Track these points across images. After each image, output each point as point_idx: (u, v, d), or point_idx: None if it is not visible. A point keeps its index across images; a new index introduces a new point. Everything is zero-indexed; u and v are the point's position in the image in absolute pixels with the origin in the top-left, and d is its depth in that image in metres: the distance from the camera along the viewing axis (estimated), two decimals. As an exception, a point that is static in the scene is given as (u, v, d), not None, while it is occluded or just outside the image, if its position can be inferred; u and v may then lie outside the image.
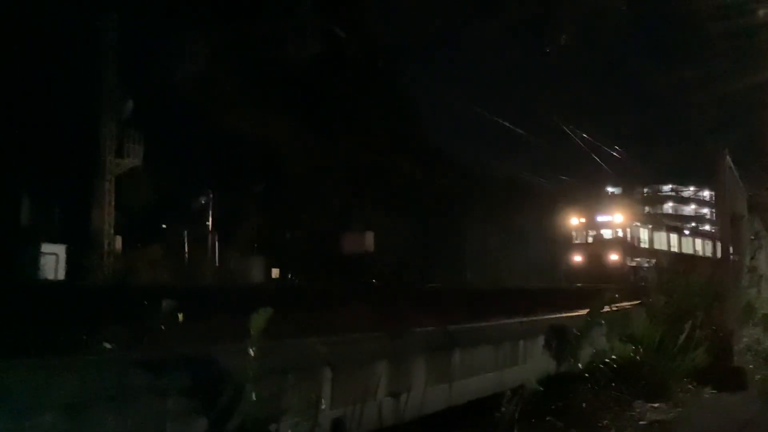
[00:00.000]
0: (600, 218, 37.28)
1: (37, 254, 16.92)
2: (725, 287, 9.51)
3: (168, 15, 23.99)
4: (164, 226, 24.85)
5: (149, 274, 19.28)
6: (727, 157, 8.81)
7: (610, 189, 54.39)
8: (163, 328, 5.08)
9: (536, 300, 12.35)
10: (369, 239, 26.72)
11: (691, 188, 69.85)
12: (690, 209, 73.80)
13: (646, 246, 37.69)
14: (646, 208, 52.74)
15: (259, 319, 3.74)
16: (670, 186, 71.91)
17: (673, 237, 41.89)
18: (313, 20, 25.29)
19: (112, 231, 22.06)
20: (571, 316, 7.25)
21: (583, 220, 37.57)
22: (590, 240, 37.59)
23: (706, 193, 65.97)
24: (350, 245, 26.10)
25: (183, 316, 6.44)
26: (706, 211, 70.58)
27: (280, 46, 26.79)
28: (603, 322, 8.21)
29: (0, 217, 19.80)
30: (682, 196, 71.95)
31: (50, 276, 16.61)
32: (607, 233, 37.25)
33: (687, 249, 42.96)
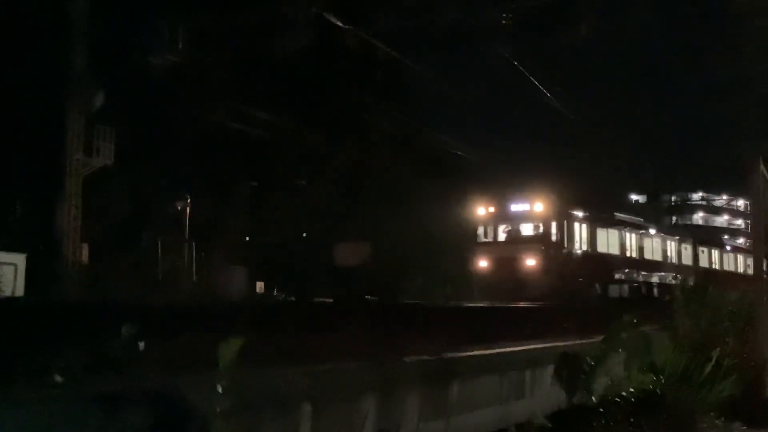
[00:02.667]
0: (515, 206, 29.54)
1: (-8, 264, 16.81)
2: (759, 310, 9.48)
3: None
4: (137, 233, 24.77)
5: (118, 288, 19.19)
6: (762, 166, 8.81)
7: (634, 197, 53.60)
8: (124, 355, 5.05)
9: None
10: (364, 249, 26.39)
11: (724, 197, 68.94)
12: (722, 220, 73.57)
13: (587, 248, 30.42)
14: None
15: (228, 350, 3.72)
16: (701, 194, 71.35)
17: (633, 237, 34.79)
18: (306, 6, 25.30)
19: (78, 238, 21.96)
20: (585, 343, 7.19)
21: (492, 209, 29.77)
22: (502, 238, 30.05)
23: (740, 203, 65.71)
24: (344, 256, 25.66)
25: (150, 340, 6.41)
26: (740, 222, 70.45)
27: (271, 35, 26.83)
28: (620, 349, 8.19)
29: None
30: (714, 206, 71.37)
31: (8, 289, 16.49)
32: (529, 229, 29.99)
33: (655, 255, 36.45)
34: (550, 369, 6.67)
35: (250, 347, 4.99)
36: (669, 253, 38.76)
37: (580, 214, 30.47)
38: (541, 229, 29.45)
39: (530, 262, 28.45)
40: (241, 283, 25.23)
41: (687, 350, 8.70)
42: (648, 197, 53.66)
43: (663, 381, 7.83)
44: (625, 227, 34.51)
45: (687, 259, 40.67)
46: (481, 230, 30.34)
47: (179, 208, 25.48)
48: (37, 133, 22.07)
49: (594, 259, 30.72)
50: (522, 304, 19.97)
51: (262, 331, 8.43)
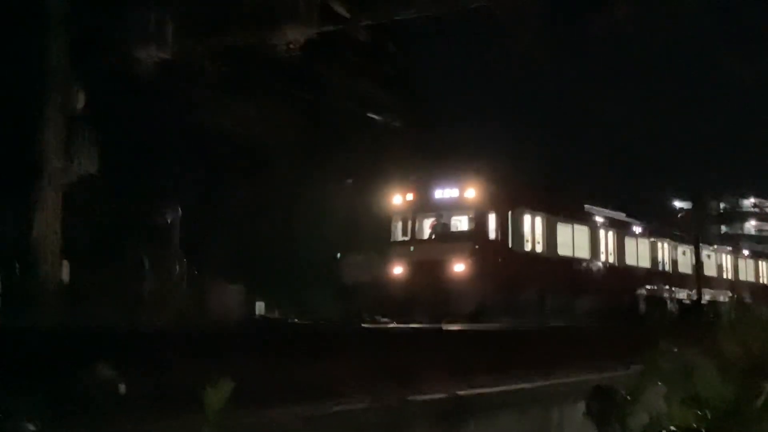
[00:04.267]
0: (440, 193, 24.62)
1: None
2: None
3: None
4: (122, 248, 24.85)
5: (101, 309, 19.24)
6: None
7: (678, 203, 52.76)
8: (102, 397, 5.05)
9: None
10: (376, 265, 26.10)
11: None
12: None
13: (542, 250, 26.33)
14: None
15: (215, 395, 3.68)
16: (753, 200, 70.53)
17: (612, 237, 30.67)
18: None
19: (57, 254, 22.01)
20: (619, 375, 7.11)
21: (410, 197, 24.91)
22: (423, 235, 24.96)
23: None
24: (351, 273, 25.30)
25: (132, 373, 6.42)
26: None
27: (268, 26, 26.93)
28: (659, 381, 8.10)
29: None
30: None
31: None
32: (460, 223, 25.17)
33: (642, 260, 32.63)
34: (580, 405, 6.59)
35: (247, 380, 4.97)
36: (661, 258, 34.83)
37: (533, 204, 26.07)
38: (474, 224, 24.42)
39: (458, 267, 23.22)
40: (236, 304, 25.25)
41: (736, 379, 8.61)
42: (693, 203, 53.19)
43: (708, 416, 7.75)
44: (601, 224, 30.11)
45: (686, 266, 36.94)
46: (395, 225, 25.31)
47: (168, 220, 25.54)
48: (11, 137, 22.18)
49: (552, 264, 26.44)
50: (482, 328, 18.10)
51: (254, 360, 8.46)
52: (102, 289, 21.05)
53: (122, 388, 5.16)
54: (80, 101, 23.27)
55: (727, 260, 41.79)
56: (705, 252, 39.09)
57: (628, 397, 7.09)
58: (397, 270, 24.49)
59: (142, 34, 23.63)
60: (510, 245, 25.10)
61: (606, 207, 32.17)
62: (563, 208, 28.53)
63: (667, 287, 34.56)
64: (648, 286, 33.06)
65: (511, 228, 25.04)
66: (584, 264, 28.97)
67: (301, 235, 30.27)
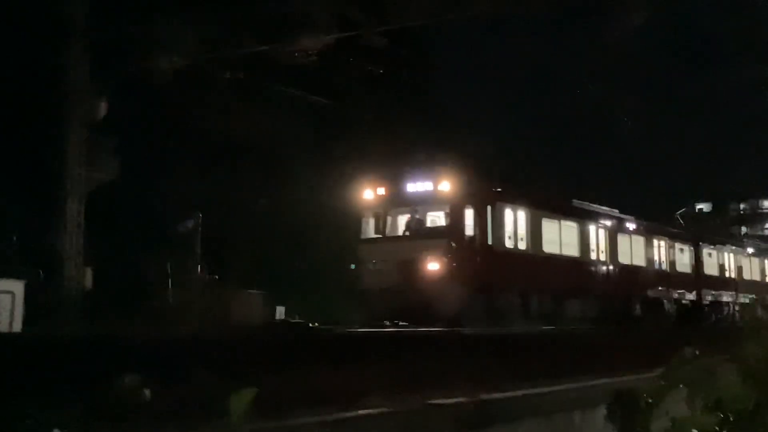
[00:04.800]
0: (413, 187, 23.04)
1: (-13, 293, 16.98)
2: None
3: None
4: (144, 255, 25.03)
5: (125, 317, 19.38)
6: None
7: (699, 205, 51.77)
8: (129, 404, 5.09)
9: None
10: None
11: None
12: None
13: (526, 247, 24.57)
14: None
15: (240, 402, 3.71)
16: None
17: (603, 234, 28.74)
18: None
19: (81, 261, 22.21)
20: (640, 379, 7.09)
21: (382, 191, 23.30)
22: (396, 232, 23.41)
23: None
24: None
25: (157, 381, 6.45)
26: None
27: (286, 34, 27.10)
28: (681, 385, 8.07)
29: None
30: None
31: (4, 320, 16.68)
32: (437, 219, 23.59)
33: (636, 258, 30.84)
34: (601, 410, 6.59)
35: (269, 385, 4.99)
36: (658, 257, 32.86)
37: (514, 199, 24.37)
38: (449, 219, 22.73)
39: (431, 266, 21.70)
40: (257, 309, 25.35)
41: (760, 384, 8.54)
42: (714, 205, 52.89)
43: (731, 421, 7.70)
44: (591, 220, 28.33)
45: (684, 265, 34.91)
46: (365, 222, 23.66)
47: (190, 227, 25.69)
48: (35, 147, 22.41)
49: (537, 263, 24.78)
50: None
51: (275, 365, 8.50)
52: (125, 295, 21.19)
53: (147, 395, 5.17)
54: (101, 111, 23.51)
55: (730, 258, 39.78)
56: (706, 250, 37.17)
57: (650, 401, 7.07)
58: (368, 269, 22.71)
59: (163, 44, 23.85)
60: (489, 242, 23.03)
61: (600, 203, 30.30)
62: (549, 203, 26.75)
63: (664, 287, 32.83)
64: (644, 287, 31.37)
65: (490, 224, 23.08)
66: (573, 263, 26.87)
67: (320, 240, 30.39)
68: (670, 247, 33.60)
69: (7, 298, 17.35)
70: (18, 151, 21.61)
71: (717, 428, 7.37)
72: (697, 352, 8.00)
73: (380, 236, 23.20)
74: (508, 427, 5.31)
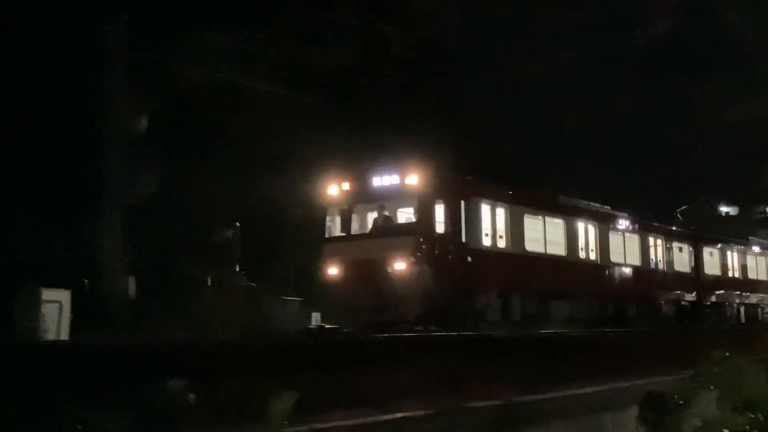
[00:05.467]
0: (379, 181, 21.08)
1: (36, 303, 17.20)
2: None
3: (186, 13, 24.61)
4: (186, 265, 25.25)
5: (167, 325, 19.53)
6: None
7: (723, 209, 50.56)
8: (174, 408, 5.20)
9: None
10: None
11: None
12: None
13: (505, 245, 22.51)
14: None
15: (281, 405, 3.80)
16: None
17: (593, 231, 26.64)
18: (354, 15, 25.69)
19: (125, 272, 22.45)
20: (670, 381, 7.05)
21: (347, 186, 21.53)
22: (361, 229, 21.64)
23: None
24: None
25: (200, 386, 6.55)
26: None
27: (317, 46, 27.35)
28: (711, 386, 8.01)
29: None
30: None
31: (52, 329, 16.88)
32: (405, 216, 21.62)
33: (631, 257, 28.82)
34: (632, 411, 6.59)
35: (306, 389, 5.07)
36: (654, 256, 30.68)
37: (492, 194, 22.45)
38: (418, 215, 20.72)
39: (399, 265, 19.74)
40: (294, 316, 25.45)
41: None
42: (739, 208, 51.98)
43: (761, 420, 7.61)
44: (579, 217, 26.10)
45: (683, 264, 32.76)
46: (330, 219, 21.91)
47: (229, 236, 25.88)
48: (80, 163, 22.74)
49: (519, 262, 22.78)
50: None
51: (312, 370, 8.58)
52: (167, 303, 21.35)
53: (192, 399, 5.28)
54: (141, 126, 23.80)
55: (733, 257, 37.33)
56: (707, 249, 34.98)
57: (681, 402, 7.04)
58: (332, 270, 20.87)
59: (199, 59, 24.14)
60: (463, 240, 21.01)
61: (590, 200, 28.46)
62: (532, 198, 24.68)
63: (661, 287, 30.86)
64: (638, 287, 29.21)
65: (464, 220, 21.08)
66: (559, 262, 24.70)
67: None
68: (668, 246, 31.68)
69: (55, 307, 17.55)
70: (64, 167, 21.94)
71: (747, 428, 7.32)
72: (727, 354, 7.95)
73: (345, 235, 21.48)
74: (539, 428, 5.33)
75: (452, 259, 20.60)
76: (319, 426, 4.12)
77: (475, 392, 5.96)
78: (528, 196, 24.53)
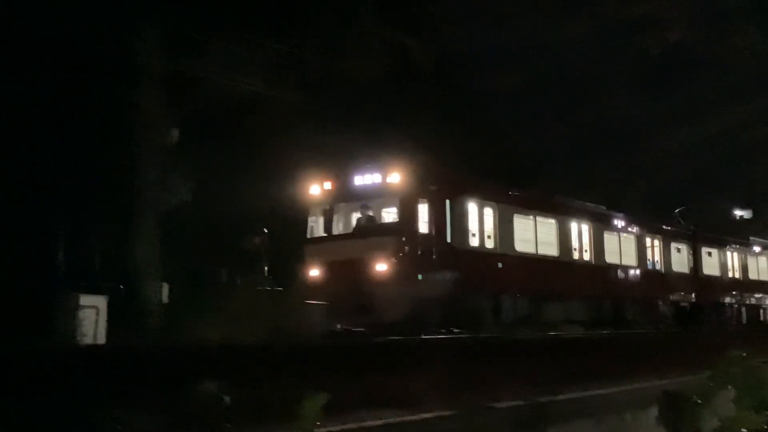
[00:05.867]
0: (361, 180, 20.14)
1: (74, 308, 17.40)
2: None
3: (213, 29, 24.79)
4: (216, 270, 25.42)
5: (199, 328, 19.66)
6: None
7: (738, 212, 49.56)
8: (209, 409, 5.23)
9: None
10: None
11: None
12: None
13: (494, 246, 21.32)
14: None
15: (311, 406, 3.82)
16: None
17: (588, 231, 25.23)
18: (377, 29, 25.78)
19: (158, 277, 22.64)
20: (688, 380, 6.99)
21: (329, 186, 20.60)
22: (343, 230, 20.65)
23: None
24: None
25: (232, 388, 6.58)
26: None
27: (341, 59, 27.46)
28: (729, 386, 7.93)
29: (33, 262, 20.62)
30: None
31: (90, 333, 17.06)
32: (387, 215, 20.39)
33: (627, 258, 27.55)
34: (652, 410, 6.54)
35: (331, 389, 5.06)
36: (652, 256, 29.27)
37: (480, 193, 21.22)
38: (400, 214, 19.61)
39: (380, 266, 18.63)
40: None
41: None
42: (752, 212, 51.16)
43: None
44: (573, 217, 24.75)
45: (681, 265, 31.30)
46: (312, 220, 20.94)
47: (257, 242, 25.98)
48: (114, 172, 22.97)
49: (509, 263, 21.41)
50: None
51: (338, 372, 8.61)
52: (199, 309, 21.51)
53: (227, 401, 5.32)
54: (174, 137, 24.00)
55: (733, 258, 36.06)
56: (706, 249, 33.52)
57: (699, 402, 6.97)
58: (313, 272, 19.93)
59: (227, 71, 24.30)
60: (449, 240, 19.84)
61: (596, 201, 27.46)
62: (523, 198, 23.38)
63: (658, 288, 29.53)
64: (635, 288, 27.95)
65: (450, 220, 19.94)
66: (552, 263, 23.39)
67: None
68: (666, 246, 30.46)
69: (92, 312, 17.75)
70: (100, 178, 22.17)
71: (765, 427, 7.24)
72: (744, 354, 7.86)
73: (326, 235, 20.50)
74: (562, 428, 5.30)
75: (436, 259, 19.44)
76: (351, 426, 4.13)
77: (499, 393, 5.96)
78: (519, 196, 23.39)
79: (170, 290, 22.98)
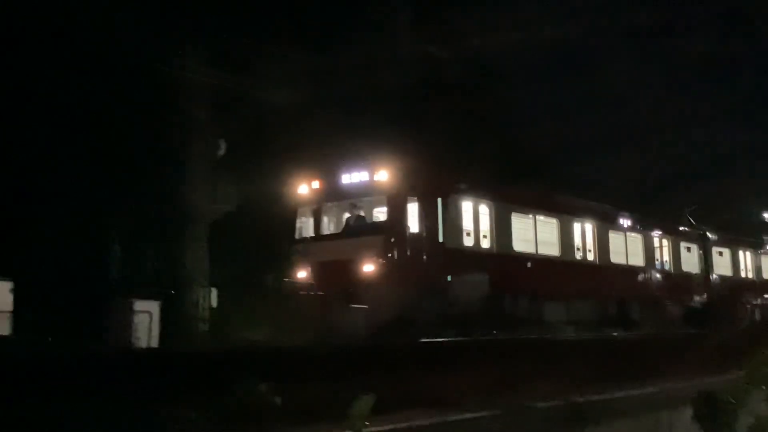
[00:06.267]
0: (349, 178, 19.16)
1: (129, 313, 17.72)
2: None
3: (256, 44, 25.07)
4: (261, 276, 25.63)
5: (247, 332, 19.86)
6: None
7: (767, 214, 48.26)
8: (262, 406, 5.34)
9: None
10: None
11: None
12: None
13: (490, 246, 20.12)
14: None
15: (361, 406, 3.90)
16: None
17: (593, 231, 23.78)
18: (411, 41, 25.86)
19: (207, 283, 22.92)
20: (722, 380, 6.94)
21: (317, 185, 19.70)
22: (330, 230, 19.73)
23: None
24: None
25: (279, 387, 6.69)
26: None
27: (377, 72, 27.56)
28: (764, 386, 7.83)
29: (90, 269, 21.04)
30: None
31: (144, 337, 17.36)
32: (375, 214, 19.40)
33: (634, 257, 26.04)
34: (687, 410, 6.51)
35: (376, 389, 5.13)
36: (660, 256, 27.64)
37: (474, 190, 20.01)
38: (388, 213, 18.54)
39: (368, 267, 17.62)
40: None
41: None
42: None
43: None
44: (576, 216, 23.29)
45: (691, 265, 29.67)
46: (300, 220, 20.13)
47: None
48: (164, 183, 23.35)
49: (506, 263, 20.22)
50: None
51: (379, 373, 8.68)
52: (246, 312, 21.74)
53: (278, 402, 5.43)
54: (221, 149, 24.30)
55: (747, 258, 34.46)
56: (717, 249, 32.04)
57: (733, 401, 6.92)
58: (301, 275, 19.02)
59: (273, 84, 24.54)
60: (440, 239, 18.64)
61: (595, 199, 25.93)
62: (521, 196, 22.02)
63: (666, 289, 27.90)
64: (642, 288, 26.41)
65: (441, 218, 18.68)
66: (553, 263, 21.99)
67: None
68: (675, 246, 28.85)
69: (146, 317, 18.09)
70: (152, 189, 22.53)
71: (800, 426, 7.14)
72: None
73: (314, 236, 19.56)
74: (600, 428, 5.32)
75: (428, 260, 18.23)
76: (401, 425, 4.20)
77: (538, 393, 5.99)
78: (517, 194, 22.11)
79: (219, 295, 23.27)
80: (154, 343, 17.68)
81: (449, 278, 18.52)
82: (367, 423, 3.94)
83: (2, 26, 19.06)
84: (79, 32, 19.06)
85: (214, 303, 23.03)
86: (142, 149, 22.01)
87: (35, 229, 20.43)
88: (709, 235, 31.88)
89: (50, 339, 16.62)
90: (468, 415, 4.75)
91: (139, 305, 18.34)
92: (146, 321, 17.96)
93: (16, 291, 18.70)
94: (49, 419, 5.78)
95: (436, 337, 16.37)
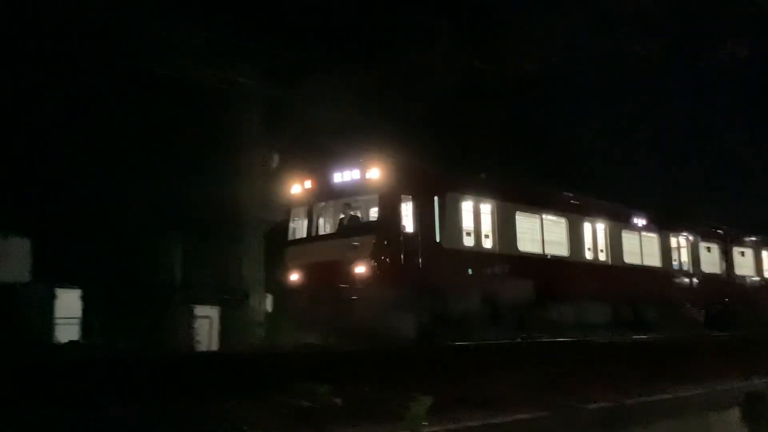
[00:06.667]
0: (340, 177, 17.93)
1: (191, 318, 18.04)
2: None
3: (305, 60, 25.32)
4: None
5: (299, 336, 20.04)
6: None
7: None
8: (321, 408, 5.44)
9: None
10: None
11: None
12: None
13: (492, 246, 18.96)
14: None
15: (418, 407, 3.99)
16: None
17: (602, 231, 22.61)
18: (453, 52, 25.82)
19: (262, 290, 23.22)
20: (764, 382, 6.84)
21: (309, 184, 18.48)
22: (321, 230, 18.51)
23: None
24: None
25: (337, 389, 6.78)
26: None
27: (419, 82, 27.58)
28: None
29: (156, 276, 21.49)
30: None
31: (204, 340, 17.65)
32: (367, 214, 18.26)
33: (649, 258, 24.59)
34: (734, 411, 6.44)
35: (420, 391, 5.20)
36: (677, 256, 26.36)
37: (473, 189, 18.88)
38: (380, 213, 17.30)
39: (359, 269, 16.40)
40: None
41: None
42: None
43: None
44: (586, 215, 22.12)
45: (711, 265, 28.05)
46: (292, 221, 18.84)
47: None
48: (222, 197, 23.74)
49: (509, 264, 19.04)
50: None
51: (429, 376, 8.72)
52: (298, 317, 21.97)
53: (339, 403, 5.53)
54: (275, 161, 24.59)
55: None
56: (739, 249, 30.11)
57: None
58: (292, 277, 17.68)
59: (316, 97, 24.75)
60: (437, 240, 17.55)
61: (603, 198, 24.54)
62: (526, 194, 20.86)
63: (684, 290, 26.56)
64: (658, 290, 24.89)
65: (438, 218, 17.62)
66: (561, 264, 20.89)
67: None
68: (693, 246, 27.20)
69: (206, 322, 18.42)
70: (209, 203, 22.89)
71: None
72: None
73: (305, 236, 18.38)
74: (649, 429, 5.30)
75: (424, 261, 17.01)
76: (452, 426, 4.25)
77: (585, 394, 5.97)
78: (522, 192, 20.85)
79: (273, 301, 23.55)
80: (214, 345, 17.95)
81: (447, 280, 17.15)
82: (425, 423, 4.02)
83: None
84: (148, 51, 19.38)
85: (270, 308, 23.34)
86: (204, 161, 22.39)
87: (102, 238, 20.94)
88: (729, 235, 30.33)
89: (119, 344, 16.97)
90: (519, 416, 4.76)
91: (200, 310, 18.62)
92: (207, 325, 18.22)
93: (84, 298, 19.20)
94: (127, 420, 5.97)
95: (480, 340, 16.15)
